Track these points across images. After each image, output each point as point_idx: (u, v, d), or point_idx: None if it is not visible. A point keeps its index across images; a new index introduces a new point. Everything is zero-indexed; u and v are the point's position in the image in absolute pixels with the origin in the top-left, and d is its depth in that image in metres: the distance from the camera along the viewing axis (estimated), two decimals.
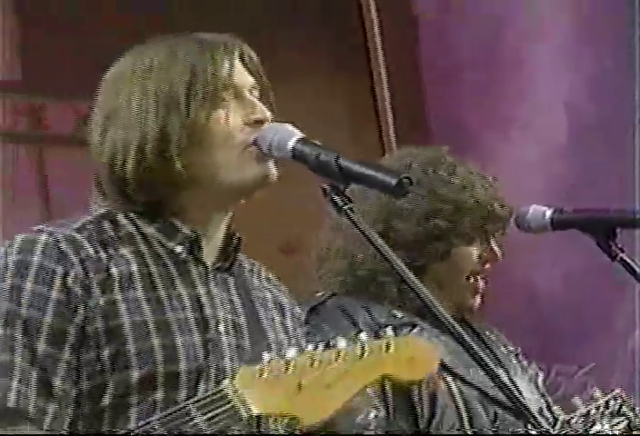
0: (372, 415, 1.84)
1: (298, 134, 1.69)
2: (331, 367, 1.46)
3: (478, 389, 1.91)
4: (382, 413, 1.99)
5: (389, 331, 1.50)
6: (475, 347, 1.57)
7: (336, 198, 1.62)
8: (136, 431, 1.50)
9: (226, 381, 1.49)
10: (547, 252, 2.39)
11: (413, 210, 2.17)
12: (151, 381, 1.68)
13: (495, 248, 2.23)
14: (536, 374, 2.27)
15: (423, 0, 4.14)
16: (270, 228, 2.98)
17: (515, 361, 2.31)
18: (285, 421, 1.50)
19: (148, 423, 1.51)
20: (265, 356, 1.48)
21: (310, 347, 1.49)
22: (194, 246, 1.75)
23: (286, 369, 1.45)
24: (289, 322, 1.87)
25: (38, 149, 3.56)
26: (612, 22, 3.75)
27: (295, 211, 3.23)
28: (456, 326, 1.56)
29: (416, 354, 1.50)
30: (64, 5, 3.47)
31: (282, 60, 3.24)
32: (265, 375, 1.45)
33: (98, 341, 1.68)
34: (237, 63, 1.77)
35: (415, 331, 1.83)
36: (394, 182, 1.59)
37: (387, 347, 1.47)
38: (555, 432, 1.90)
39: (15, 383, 1.66)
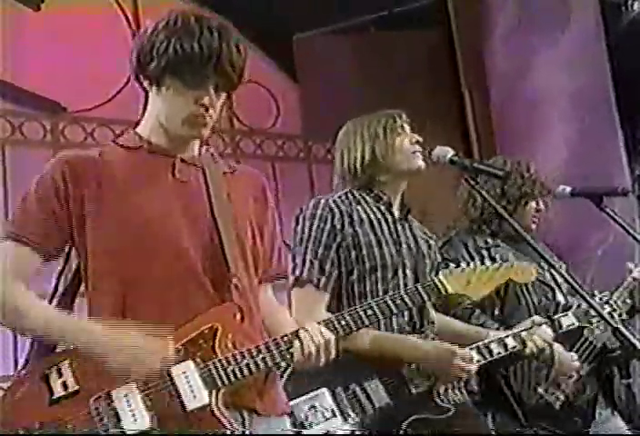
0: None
1: (452, 152, 2.64)
2: (484, 274, 2.59)
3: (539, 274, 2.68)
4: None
5: (512, 259, 2.82)
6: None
7: (472, 182, 2.58)
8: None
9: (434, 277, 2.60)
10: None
11: (508, 190, 3.46)
12: (374, 268, 2.81)
13: (541, 205, 3.53)
14: (561, 267, 3.37)
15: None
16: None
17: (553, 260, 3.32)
18: (460, 296, 2.58)
19: (393, 294, 2.47)
20: (459, 267, 2.58)
21: (463, 264, 2.57)
22: (388, 206, 2.93)
23: (462, 271, 2.57)
24: (432, 244, 3.03)
25: (308, 165, 5.47)
26: None
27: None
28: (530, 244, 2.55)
29: (524, 270, 2.73)
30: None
31: None
32: (453, 274, 2.57)
33: (348, 249, 2.81)
34: (402, 118, 3.02)
35: (499, 248, 2.97)
36: (502, 173, 2.62)
37: (511, 266, 2.68)
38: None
39: (307, 266, 2.79)
